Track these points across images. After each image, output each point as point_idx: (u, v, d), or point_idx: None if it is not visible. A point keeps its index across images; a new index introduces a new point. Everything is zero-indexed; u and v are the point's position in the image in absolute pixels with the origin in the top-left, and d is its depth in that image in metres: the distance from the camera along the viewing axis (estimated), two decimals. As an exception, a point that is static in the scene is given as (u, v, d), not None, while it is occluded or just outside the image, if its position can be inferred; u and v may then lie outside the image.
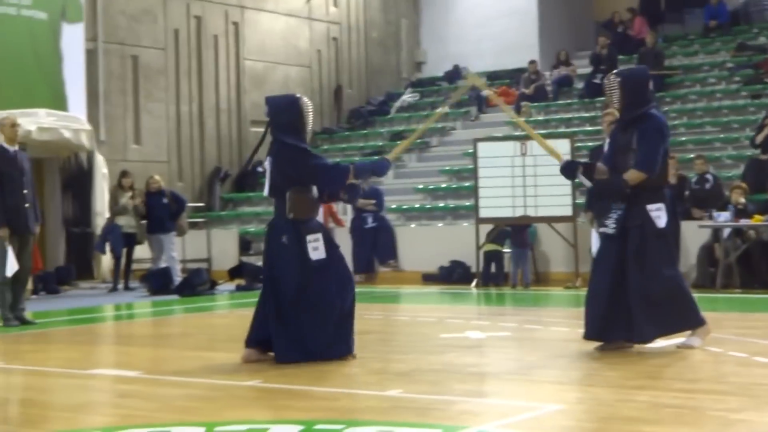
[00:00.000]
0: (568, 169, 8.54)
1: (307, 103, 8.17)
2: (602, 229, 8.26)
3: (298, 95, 8.30)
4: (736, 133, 18.49)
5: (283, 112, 8.12)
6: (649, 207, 8.02)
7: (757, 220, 13.92)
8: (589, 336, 8.20)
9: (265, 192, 8.27)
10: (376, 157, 8.92)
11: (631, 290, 7.97)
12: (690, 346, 8.06)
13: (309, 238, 7.95)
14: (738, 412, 5.62)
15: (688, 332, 8.16)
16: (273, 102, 8.31)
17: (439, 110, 10.53)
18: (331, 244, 8.09)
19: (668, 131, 8.26)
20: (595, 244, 13.72)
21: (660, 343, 8.15)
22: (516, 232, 15.77)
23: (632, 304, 7.95)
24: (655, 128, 8.07)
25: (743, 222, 13.95)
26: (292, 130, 8.04)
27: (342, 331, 7.99)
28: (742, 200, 14.42)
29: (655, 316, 7.96)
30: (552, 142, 15.58)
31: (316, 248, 7.94)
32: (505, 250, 16.19)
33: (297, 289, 7.92)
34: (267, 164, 8.23)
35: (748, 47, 21.78)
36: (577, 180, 8.66)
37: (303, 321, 7.90)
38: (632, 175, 8.02)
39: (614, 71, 8.45)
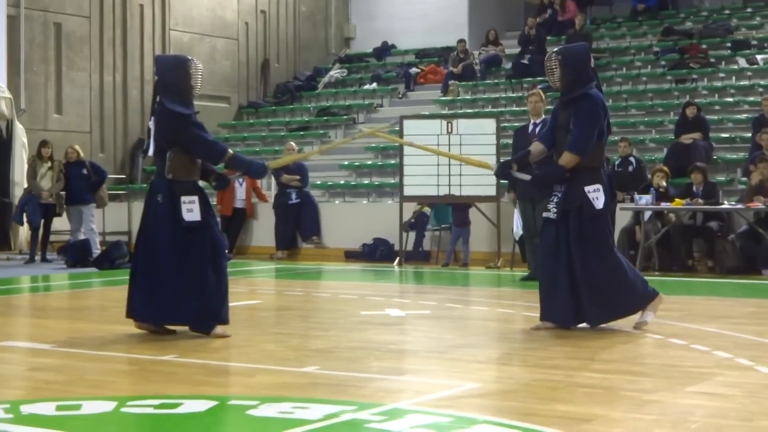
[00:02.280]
0: (503, 172, 8.58)
1: (197, 66, 8.06)
2: (545, 214, 8.29)
3: (189, 57, 8.18)
4: (660, 116, 18.66)
5: (170, 71, 8.01)
6: (587, 188, 8.06)
7: (678, 203, 14.08)
8: (546, 318, 8.25)
9: (150, 152, 8.13)
10: (257, 159, 8.84)
11: (577, 275, 8.05)
12: (644, 323, 8.17)
13: (184, 199, 7.86)
14: (651, 392, 5.66)
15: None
16: (161, 60, 8.34)
17: (336, 142, 10.50)
18: (207, 208, 7.99)
19: (605, 111, 8.26)
20: (517, 224, 13.86)
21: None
22: (457, 210, 15.76)
23: (580, 288, 8.06)
24: (590, 108, 8.08)
25: (664, 205, 14.09)
26: (176, 91, 7.93)
27: (213, 303, 7.89)
28: (664, 183, 14.57)
29: (602, 301, 8.08)
30: (479, 122, 15.86)
31: (190, 210, 7.86)
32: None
33: (170, 249, 7.83)
34: (151, 124, 8.14)
35: (675, 32, 21.98)
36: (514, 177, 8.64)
37: (174, 282, 7.80)
38: (566, 158, 8.07)
39: (555, 49, 8.44)
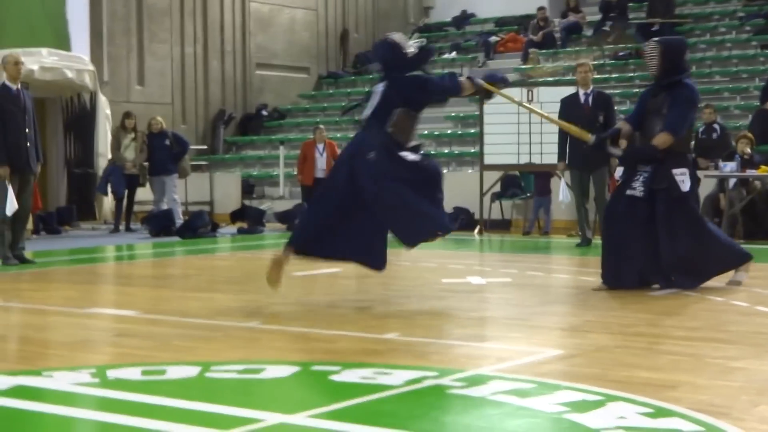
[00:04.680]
0: (598, 148, 8.99)
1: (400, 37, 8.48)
2: (630, 192, 8.53)
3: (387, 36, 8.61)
4: (745, 83, 18.34)
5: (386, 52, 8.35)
6: (675, 171, 8.39)
7: (763, 170, 13.81)
8: (608, 282, 8.60)
9: (366, 113, 8.22)
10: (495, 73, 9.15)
11: (662, 252, 8.38)
12: (737, 282, 8.64)
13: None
14: (736, 360, 5.58)
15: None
16: (375, 47, 8.99)
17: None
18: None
19: (699, 101, 8.78)
20: (563, 193, 13.96)
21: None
22: (539, 179, 15.69)
23: (665, 265, 8.40)
24: (687, 96, 8.49)
25: (749, 172, 13.84)
26: (400, 65, 8.23)
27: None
28: (749, 150, 14.30)
29: (693, 270, 8.45)
30: (558, 90, 15.66)
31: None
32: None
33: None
34: (378, 88, 8.25)
35: (759, -4, 21.58)
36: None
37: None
38: (661, 139, 8.38)
39: (655, 38, 8.85)
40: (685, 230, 8.37)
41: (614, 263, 8.56)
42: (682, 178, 8.38)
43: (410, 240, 8.04)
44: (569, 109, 12.93)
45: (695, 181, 8.59)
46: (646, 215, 8.43)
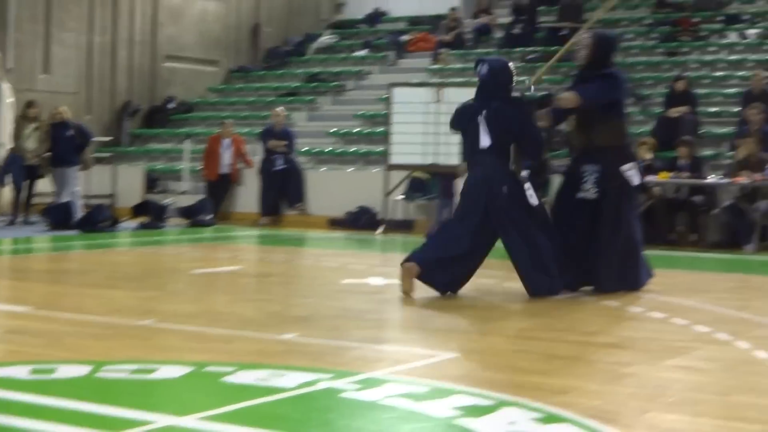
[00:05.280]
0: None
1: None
2: (582, 194, 8.57)
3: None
4: (650, 89, 18.62)
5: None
6: (623, 168, 8.50)
7: (663, 176, 14.06)
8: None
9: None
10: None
11: (602, 246, 8.46)
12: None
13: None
14: (629, 365, 5.65)
15: None
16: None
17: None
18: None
19: (625, 89, 8.89)
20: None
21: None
22: (442, 181, 15.71)
23: (600, 257, 8.47)
24: (610, 77, 8.55)
25: (649, 178, 14.07)
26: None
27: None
28: (650, 156, 14.54)
29: (619, 272, 8.53)
30: (468, 90, 15.70)
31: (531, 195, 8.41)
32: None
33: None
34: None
35: (668, 4, 21.89)
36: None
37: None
38: (566, 95, 8.57)
39: (590, 30, 9.16)
40: (629, 226, 8.53)
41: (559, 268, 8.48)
42: (631, 172, 8.51)
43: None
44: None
45: (642, 174, 8.79)
46: (593, 216, 8.53)
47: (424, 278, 8.34)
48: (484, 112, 8.46)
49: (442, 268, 8.32)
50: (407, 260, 8.41)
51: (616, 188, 8.45)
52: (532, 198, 8.38)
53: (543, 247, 8.27)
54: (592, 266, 8.51)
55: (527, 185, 8.42)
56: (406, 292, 8.25)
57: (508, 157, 8.49)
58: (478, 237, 8.33)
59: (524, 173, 8.75)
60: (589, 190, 8.50)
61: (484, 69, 8.62)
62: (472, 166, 8.56)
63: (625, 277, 8.59)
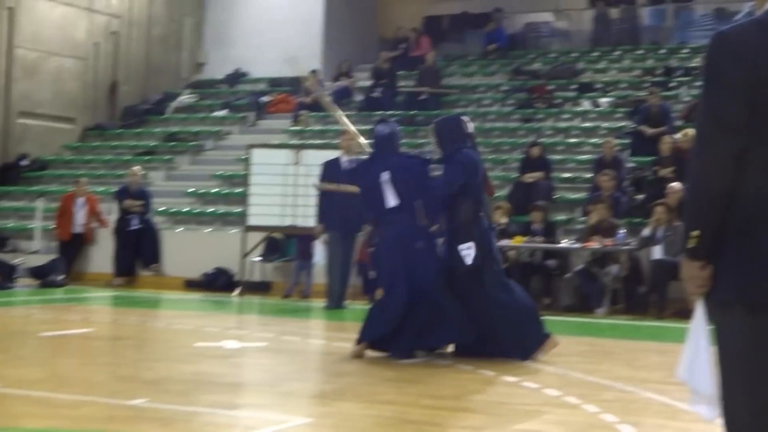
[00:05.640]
0: None
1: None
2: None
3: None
4: (506, 154, 18.98)
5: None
6: (460, 247, 8.59)
7: (518, 240, 14.30)
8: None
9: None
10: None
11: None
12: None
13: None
14: (480, 429, 5.68)
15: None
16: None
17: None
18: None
19: (474, 169, 8.89)
20: (318, 255, 14.24)
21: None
22: (301, 242, 15.65)
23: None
24: (458, 159, 8.78)
25: (505, 242, 14.30)
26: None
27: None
28: (505, 220, 14.79)
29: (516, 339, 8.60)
30: (327, 153, 15.79)
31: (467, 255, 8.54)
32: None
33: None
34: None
35: (524, 72, 22.45)
36: None
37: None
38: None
39: (434, 121, 9.42)
40: (479, 306, 8.59)
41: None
42: (468, 252, 8.58)
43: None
44: (329, 172, 13.19)
45: (488, 249, 8.71)
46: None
47: (380, 348, 8.57)
48: (387, 172, 8.70)
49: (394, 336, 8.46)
50: (358, 342, 8.57)
51: (452, 267, 8.63)
52: (468, 258, 8.51)
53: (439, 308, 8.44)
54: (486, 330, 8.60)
55: (466, 245, 8.54)
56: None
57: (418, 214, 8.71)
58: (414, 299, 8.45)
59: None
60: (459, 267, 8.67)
61: (386, 128, 8.98)
62: (384, 225, 8.76)
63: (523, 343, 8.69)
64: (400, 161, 8.85)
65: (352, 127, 10.86)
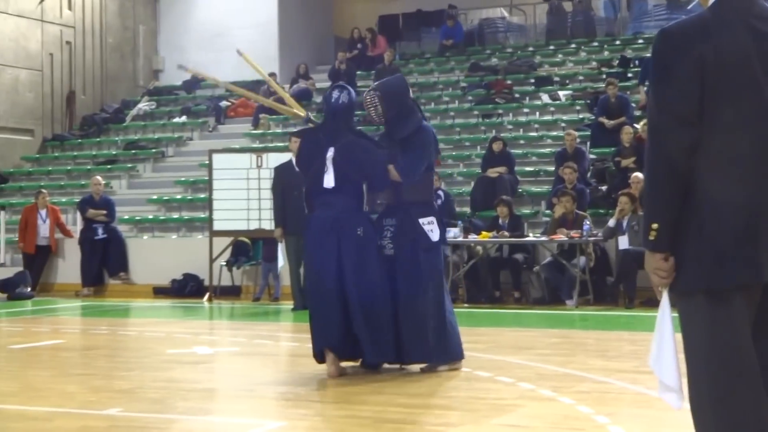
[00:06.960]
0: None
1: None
2: (386, 252, 7.90)
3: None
4: (468, 150, 19.02)
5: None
6: (422, 220, 7.88)
7: (485, 236, 14.34)
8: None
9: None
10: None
11: (400, 307, 7.75)
12: (434, 369, 7.80)
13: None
14: (456, 426, 5.69)
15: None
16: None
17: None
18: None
19: (436, 144, 8.26)
20: (282, 259, 14.16)
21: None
22: (266, 245, 15.61)
23: (401, 322, 7.73)
24: (422, 139, 7.96)
25: (471, 238, 14.34)
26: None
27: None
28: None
29: (425, 341, 7.75)
30: (279, 155, 15.66)
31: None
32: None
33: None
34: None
35: (481, 68, 22.49)
36: None
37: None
38: (393, 173, 7.84)
39: (372, 86, 8.27)
40: (426, 286, 7.74)
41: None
42: (431, 227, 7.87)
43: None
44: (283, 175, 13.18)
45: (444, 231, 8.11)
46: (389, 270, 7.82)
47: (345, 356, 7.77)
48: (332, 149, 7.75)
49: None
50: (317, 355, 7.80)
51: (410, 242, 7.84)
52: (432, 234, 7.81)
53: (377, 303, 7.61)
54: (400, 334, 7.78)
55: (428, 220, 7.85)
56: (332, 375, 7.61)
57: (362, 196, 7.81)
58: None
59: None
60: (385, 246, 7.88)
61: (344, 96, 7.93)
62: (318, 207, 7.84)
63: (434, 349, 7.78)
64: (352, 140, 7.77)
65: (284, 92, 10.17)
